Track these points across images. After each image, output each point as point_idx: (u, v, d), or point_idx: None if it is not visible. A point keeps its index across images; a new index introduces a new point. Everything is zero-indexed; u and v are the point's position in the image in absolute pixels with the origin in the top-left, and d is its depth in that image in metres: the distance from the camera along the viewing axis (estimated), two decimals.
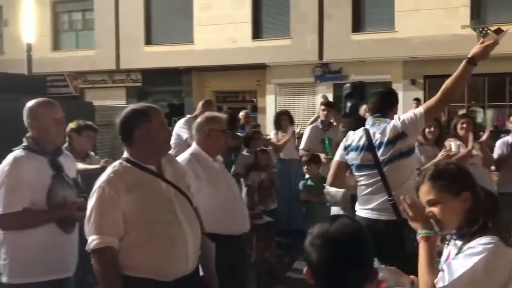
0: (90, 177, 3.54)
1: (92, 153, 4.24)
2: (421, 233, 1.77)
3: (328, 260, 1.33)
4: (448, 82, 2.73)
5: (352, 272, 1.33)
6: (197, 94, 16.30)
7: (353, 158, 3.10)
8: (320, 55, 15.26)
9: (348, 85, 7.42)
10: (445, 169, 1.83)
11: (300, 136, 6.59)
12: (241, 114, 7.63)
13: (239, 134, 5.90)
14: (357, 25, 14.98)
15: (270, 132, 7.43)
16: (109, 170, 2.19)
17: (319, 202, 4.61)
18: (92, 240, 2.06)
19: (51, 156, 2.55)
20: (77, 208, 2.49)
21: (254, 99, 16.98)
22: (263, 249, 4.80)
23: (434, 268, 1.72)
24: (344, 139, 3.25)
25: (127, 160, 2.20)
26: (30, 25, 13.50)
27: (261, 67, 15.95)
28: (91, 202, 2.13)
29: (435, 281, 1.66)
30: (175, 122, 5.55)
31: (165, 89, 17.65)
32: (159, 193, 2.18)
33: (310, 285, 1.38)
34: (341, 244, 1.33)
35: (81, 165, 3.49)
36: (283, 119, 6.47)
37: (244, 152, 5.38)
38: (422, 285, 1.72)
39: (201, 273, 2.40)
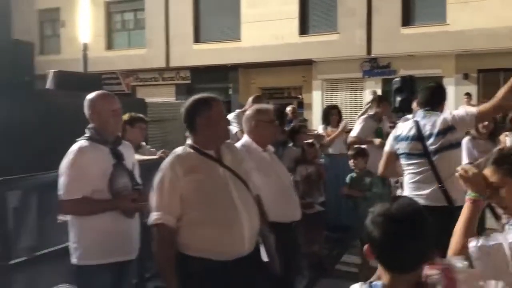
0: (147, 167, 3.74)
1: (144, 143, 4.37)
2: (470, 194, 1.80)
3: (389, 237, 1.40)
4: (506, 88, 2.77)
5: (411, 249, 1.39)
6: (243, 91, 16.48)
7: (402, 147, 3.28)
8: (369, 50, 15.04)
9: (397, 79, 7.28)
10: (509, 154, 1.84)
11: (348, 131, 6.54)
12: (288, 109, 7.67)
13: (286, 128, 5.94)
14: (407, 19, 14.65)
15: (316, 127, 7.43)
16: (172, 154, 2.35)
17: (363, 197, 4.58)
18: (152, 216, 2.26)
19: (112, 145, 2.68)
20: (132, 200, 2.62)
21: (300, 95, 16.96)
22: (312, 240, 4.84)
23: (470, 231, 1.73)
24: (394, 130, 3.44)
25: (189, 146, 2.37)
26: (86, 25, 14.13)
27: (307, 63, 15.91)
28: (155, 182, 2.30)
29: (470, 239, 1.67)
30: None
31: (213, 86, 17.89)
32: (216, 177, 2.30)
33: (357, 278, 1.43)
34: (402, 221, 1.40)
35: (138, 156, 3.65)
36: (332, 114, 6.45)
37: (291, 146, 5.41)
38: (454, 243, 1.74)
39: (265, 259, 2.50)
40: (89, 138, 2.65)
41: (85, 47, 13.79)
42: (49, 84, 8.35)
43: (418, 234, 1.40)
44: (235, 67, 16.93)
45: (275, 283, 2.57)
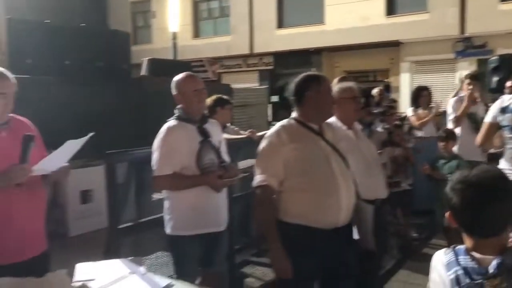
0: (236, 145, 3.90)
1: (229, 124, 4.53)
2: None
3: (468, 203, 1.40)
4: None
5: (492, 214, 1.37)
6: (327, 75, 15.82)
7: (508, 120, 3.21)
8: (462, 29, 14.14)
9: (495, 58, 6.82)
10: None
11: (439, 114, 6.26)
12: (375, 91, 7.47)
13: (374, 111, 5.82)
14: None
15: (404, 111, 7.17)
16: (278, 124, 2.50)
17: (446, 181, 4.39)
18: (256, 179, 2.40)
19: (199, 123, 2.80)
20: (218, 177, 2.74)
21: (387, 79, 16.40)
22: (399, 220, 4.76)
23: None
24: (500, 101, 3.32)
25: (294, 119, 2.50)
26: (175, 15, 14.77)
27: (394, 45, 15.32)
28: (259, 149, 2.45)
29: None
30: None
31: (296, 71, 17.57)
32: (318, 149, 2.41)
33: None
34: (480, 186, 1.39)
35: (227, 135, 3.82)
36: (422, 95, 6.19)
37: (379, 129, 5.31)
38: None
39: (356, 236, 2.56)
40: (178, 118, 2.79)
41: (174, 36, 14.44)
42: (143, 71, 8.91)
43: (497, 199, 1.38)
44: (318, 51, 16.76)
45: (363, 260, 2.59)
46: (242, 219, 4.20)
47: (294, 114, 2.52)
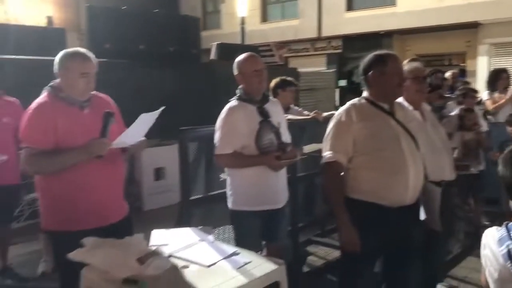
0: (300, 125, 3.97)
1: (292, 105, 4.57)
2: None
3: None
4: None
5: None
6: None
7: None
8: None
9: None
10: None
11: None
12: (448, 74, 7.19)
13: (447, 95, 5.63)
14: None
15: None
16: (349, 102, 2.54)
17: None
18: (325, 155, 2.47)
19: (259, 104, 2.86)
20: (276, 157, 2.79)
21: (463, 63, 15.58)
22: (470, 206, 4.61)
23: None
24: None
25: (364, 98, 2.53)
26: (243, 0, 14.93)
27: (472, 26, 14.47)
28: (330, 126, 2.52)
29: None
30: None
31: (365, 55, 17.36)
32: (387, 127, 2.43)
33: None
34: None
35: (292, 116, 3.89)
36: (501, 78, 5.87)
37: (454, 112, 5.13)
38: None
39: (423, 216, 2.56)
40: (238, 98, 2.86)
41: (243, 20, 14.63)
42: (212, 55, 9.16)
43: None
44: (389, 34, 16.22)
45: (428, 240, 2.59)
46: (305, 199, 4.27)
47: (365, 94, 2.55)
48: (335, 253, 4.30)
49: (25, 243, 4.63)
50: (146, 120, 2.45)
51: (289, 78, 4.50)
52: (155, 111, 2.46)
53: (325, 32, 17.74)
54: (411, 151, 2.41)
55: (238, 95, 2.89)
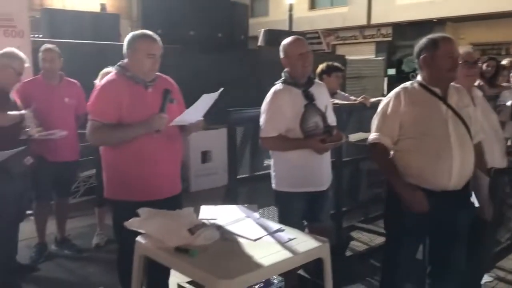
0: (347, 110, 3.97)
1: (338, 90, 4.53)
2: None
3: None
4: None
5: None
6: None
7: None
8: None
9: None
10: None
11: None
12: (505, 62, 6.90)
13: (503, 84, 5.42)
14: None
15: None
16: (401, 85, 2.54)
17: None
18: (371, 136, 2.51)
19: (304, 87, 2.88)
20: (320, 141, 2.80)
21: None
22: None
23: None
24: None
25: (417, 81, 2.52)
26: None
27: None
28: (378, 109, 2.53)
29: None
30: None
31: (415, 43, 17.01)
32: (436, 112, 2.40)
33: None
34: None
35: (338, 100, 3.89)
36: None
37: (508, 103, 4.93)
38: None
39: (477, 204, 2.54)
40: (284, 81, 2.89)
41: (291, 7, 14.60)
42: (260, 41, 9.23)
43: None
44: (442, 21, 15.72)
45: (476, 228, 2.56)
46: (350, 184, 4.28)
47: (419, 77, 2.53)
48: (379, 239, 4.30)
49: (81, 217, 4.93)
50: (206, 100, 2.53)
51: (335, 64, 4.47)
52: (216, 92, 2.53)
53: (375, 20, 17.40)
54: (459, 137, 2.38)
55: (283, 78, 2.92)
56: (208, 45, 7.51)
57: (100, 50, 5.89)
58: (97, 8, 15.61)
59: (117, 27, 7.19)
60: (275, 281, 3.21)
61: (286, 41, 2.91)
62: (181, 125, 2.65)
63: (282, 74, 2.94)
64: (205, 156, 6.48)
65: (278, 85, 2.90)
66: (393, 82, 14.51)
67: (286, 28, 14.19)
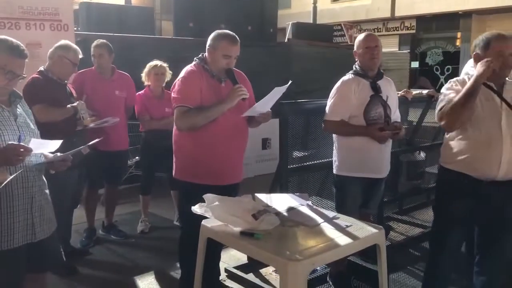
0: None
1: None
2: None
3: None
4: None
5: None
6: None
7: None
8: None
9: None
10: None
11: None
12: None
13: None
14: None
15: None
16: (456, 78, 2.63)
17: None
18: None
19: (372, 79, 3.08)
20: (380, 129, 2.97)
21: None
22: None
23: None
24: None
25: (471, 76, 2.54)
26: None
27: None
28: (443, 96, 2.58)
29: None
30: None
31: (439, 36, 16.86)
32: (490, 105, 2.47)
33: None
34: None
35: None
36: None
37: None
38: None
39: None
40: (353, 72, 3.11)
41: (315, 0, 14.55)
42: (288, 34, 9.29)
43: None
44: (468, 14, 15.51)
45: None
46: (390, 175, 4.35)
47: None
48: (415, 230, 4.39)
49: (124, 204, 5.10)
50: (277, 93, 2.68)
51: None
52: (285, 85, 2.69)
53: (399, 12, 17.25)
54: (510, 129, 2.43)
55: (354, 69, 3.13)
56: (239, 38, 7.58)
57: (141, 43, 6.07)
58: (121, 1, 15.80)
59: (152, 20, 7.33)
60: (318, 267, 3.33)
61: (359, 36, 3.16)
62: (249, 116, 2.81)
63: (354, 66, 3.15)
64: (265, 143, 7.01)
65: (348, 76, 3.12)
66: (415, 75, 14.48)
67: (309, 20, 14.17)
